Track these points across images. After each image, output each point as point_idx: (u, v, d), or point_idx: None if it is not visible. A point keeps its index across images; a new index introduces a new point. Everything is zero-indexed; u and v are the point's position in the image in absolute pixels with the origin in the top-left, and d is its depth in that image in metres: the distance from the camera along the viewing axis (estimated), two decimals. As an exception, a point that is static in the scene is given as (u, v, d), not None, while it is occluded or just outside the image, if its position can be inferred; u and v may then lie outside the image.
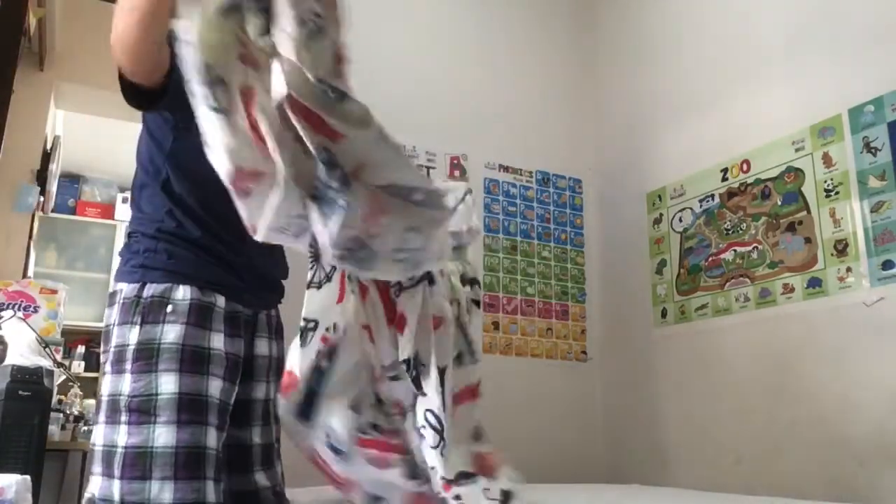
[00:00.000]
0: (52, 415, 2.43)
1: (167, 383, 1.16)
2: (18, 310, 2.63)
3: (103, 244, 4.88)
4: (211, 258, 1.27)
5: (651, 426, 2.78)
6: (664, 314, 2.81)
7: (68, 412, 2.81)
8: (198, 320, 1.22)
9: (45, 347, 2.45)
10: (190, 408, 1.16)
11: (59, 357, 2.68)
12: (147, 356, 1.18)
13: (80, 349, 4.23)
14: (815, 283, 2.24)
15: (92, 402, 2.77)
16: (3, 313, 2.50)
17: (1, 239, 3.22)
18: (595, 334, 3.10)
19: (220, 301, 1.26)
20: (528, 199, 3.13)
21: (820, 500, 1.89)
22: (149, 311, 1.20)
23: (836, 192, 2.22)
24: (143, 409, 1.15)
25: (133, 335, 1.19)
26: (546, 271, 3.09)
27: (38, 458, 2.15)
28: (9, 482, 1.61)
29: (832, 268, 2.19)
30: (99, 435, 1.18)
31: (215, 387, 1.20)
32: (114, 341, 1.22)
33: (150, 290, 1.22)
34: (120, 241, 4.49)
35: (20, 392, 2.14)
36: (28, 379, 2.17)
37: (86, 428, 2.75)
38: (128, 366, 1.18)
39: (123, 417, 1.16)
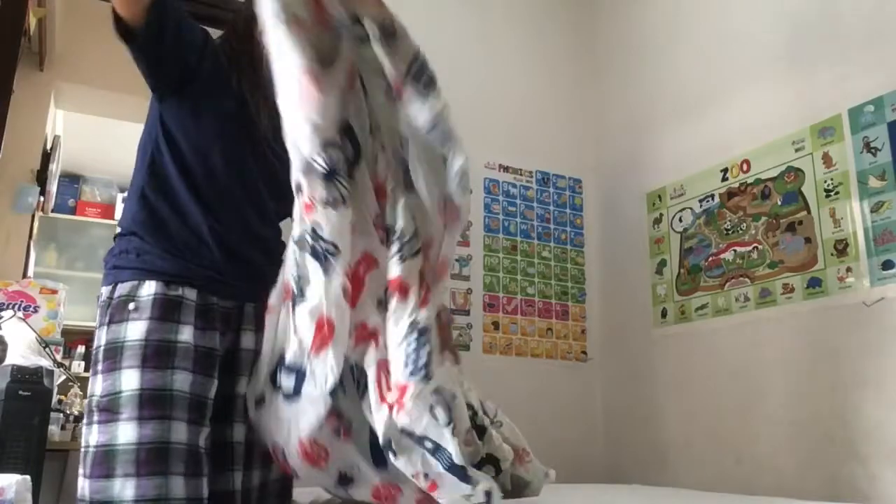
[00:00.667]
0: (52, 415, 2.42)
1: (129, 380, 1.17)
2: (18, 310, 2.63)
3: (103, 244, 4.85)
4: (178, 249, 1.26)
5: (651, 426, 2.77)
6: (664, 314, 2.81)
7: (68, 412, 2.80)
8: (162, 314, 1.21)
9: (45, 347, 2.45)
10: (152, 403, 1.16)
11: (59, 357, 2.68)
12: (112, 355, 1.19)
13: (80, 349, 4.21)
14: (815, 283, 2.24)
15: (92, 401, 2.76)
16: (3, 313, 2.50)
17: (1, 239, 3.22)
18: (595, 334, 3.10)
19: (191, 294, 1.24)
20: (528, 199, 3.13)
21: (820, 500, 1.89)
22: (115, 311, 1.22)
23: (836, 192, 2.21)
24: (109, 408, 1.16)
25: (103, 336, 1.21)
26: (546, 271, 3.08)
27: (38, 458, 2.14)
28: (9, 482, 1.60)
29: (832, 268, 2.19)
30: (82, 437, 1.20)
31: (182, 380, 1.19)
32: (94, 345, 1.24)
33: (120, 289, 1.23)
34: (120, 241, 4.48)
35: (20, 392, 2.13)
36: (28, 379, 2.16)
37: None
38: (99, 367, 1.20)
39: (95, 417, 1.17)
